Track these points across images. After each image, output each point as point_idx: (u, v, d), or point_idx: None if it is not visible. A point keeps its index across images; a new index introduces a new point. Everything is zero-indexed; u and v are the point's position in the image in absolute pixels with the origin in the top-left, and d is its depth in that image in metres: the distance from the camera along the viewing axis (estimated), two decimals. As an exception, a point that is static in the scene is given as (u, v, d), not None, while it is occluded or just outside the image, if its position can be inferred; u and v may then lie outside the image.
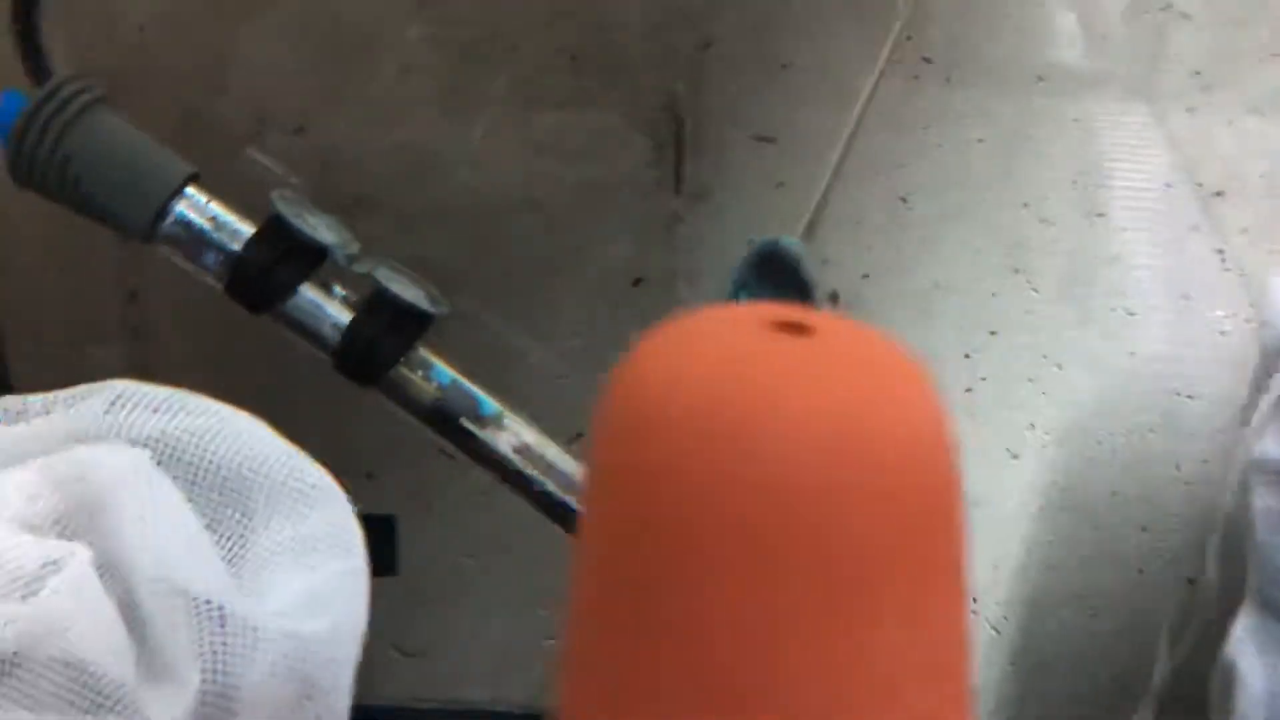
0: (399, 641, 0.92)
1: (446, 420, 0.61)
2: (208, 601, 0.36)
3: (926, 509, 0.26)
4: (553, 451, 0.63)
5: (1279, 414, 0.62)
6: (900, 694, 0.25)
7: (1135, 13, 0.77)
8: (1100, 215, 0.81)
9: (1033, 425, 0.85)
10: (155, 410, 0.43)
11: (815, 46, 0.82)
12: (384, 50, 0.84)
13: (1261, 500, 0.60)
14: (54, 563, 0.37)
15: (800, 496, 0.25)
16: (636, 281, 0.90)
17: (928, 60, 0.80)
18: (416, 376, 0.61)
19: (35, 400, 0.44)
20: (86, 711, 0.34)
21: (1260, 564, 0.61)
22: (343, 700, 0.38)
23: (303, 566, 0.40)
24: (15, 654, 0.35)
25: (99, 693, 0.35)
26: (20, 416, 0.44)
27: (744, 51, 0.83)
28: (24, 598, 0.37)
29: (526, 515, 0.66)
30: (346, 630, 0.38)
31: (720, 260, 0.88)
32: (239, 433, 0.43)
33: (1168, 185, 0.80)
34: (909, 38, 0.79)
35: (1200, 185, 0.79)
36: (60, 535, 0.39)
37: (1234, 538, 0.65)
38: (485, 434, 0.62)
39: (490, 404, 0.62)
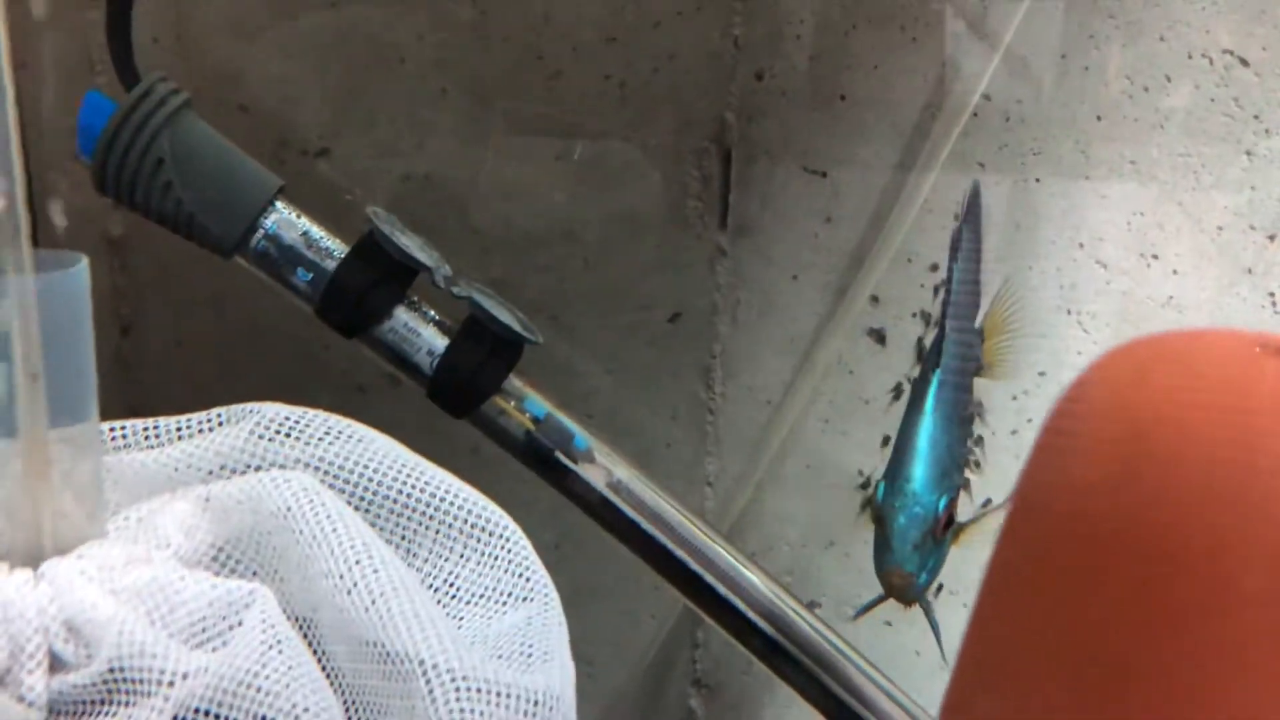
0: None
1: (540, 454, 0.57)
2: (428, 661, 0.31)
3: None
4: (644, 488, 0.60)
5: None
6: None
7: (1195, 57, 0.77)
8: (1155, 257, 0.80)
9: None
10: (306, 436, 0.39)
11: (872, 80, 0.80)
12: (416, 72, 0.81)
13: None
14: (237, 603, 0.32)
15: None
16: (674, 317, 0.87)
17: (986, 98, 0.79)
18: (511, 408, 0.57)
19: (166, 424, 0.39)
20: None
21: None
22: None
23: (487, 611, 0.36)
24: (209, 714, 0.30)
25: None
26: (151, 442, 0.39)
27: (799, 84, 0.81)
28: (203, 645, 0.32)
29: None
30: (565, 681, 0.34)
31: (761, 296, 0.86)
32: (403, 462, 0.38)
33: (1220, 228, 0.80)
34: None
35: (1253, 228, 0.79)
36: (224, 574, 0.35)
37: None
38: (579, 469, 0.58)
39: (584, 438, 0.58)
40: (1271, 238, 0.79)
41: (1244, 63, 0.77)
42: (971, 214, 0.61)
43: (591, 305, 0.85)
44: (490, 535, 0.37)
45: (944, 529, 0.52)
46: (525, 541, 0.38)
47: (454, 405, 0.55)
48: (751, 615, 0.59)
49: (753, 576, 0.60)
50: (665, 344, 0.87)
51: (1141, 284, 0.81)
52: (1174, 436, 0.23)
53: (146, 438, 0.39)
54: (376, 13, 0.78)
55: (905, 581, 0.53)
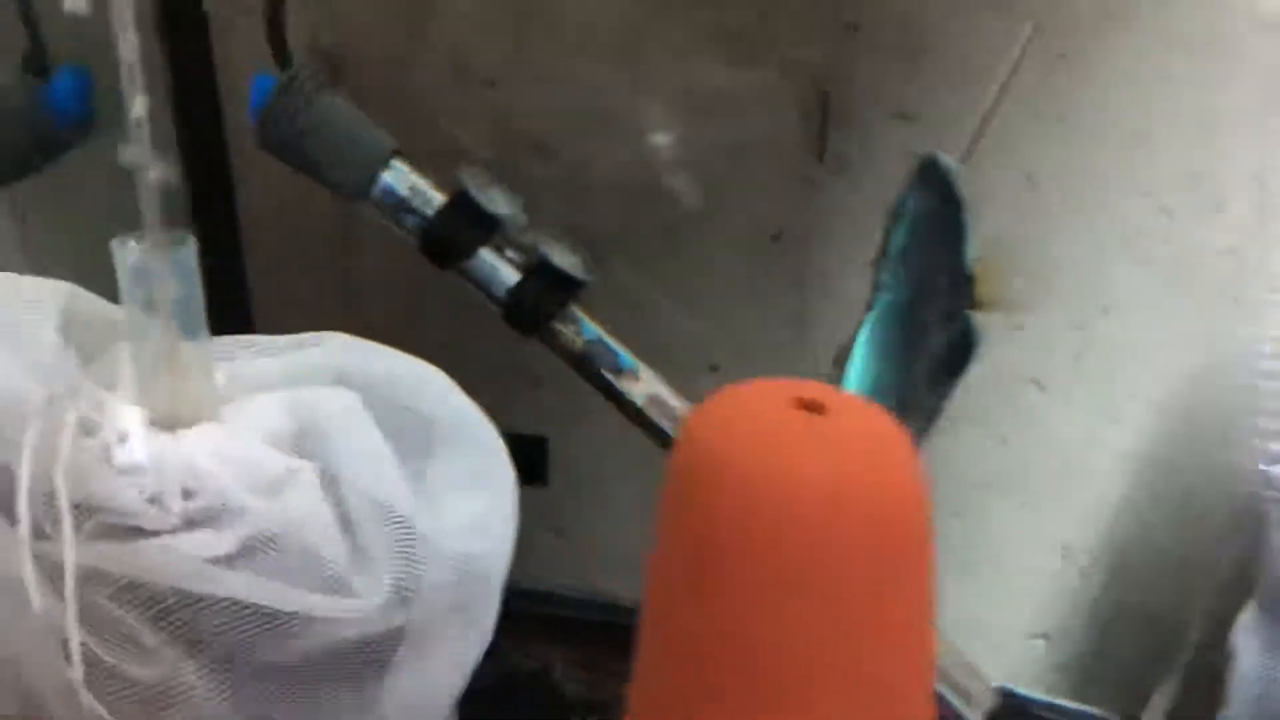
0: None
1: (591, 369, 0.72)
2: (401, 517, 0.48)
3: (898, 547, 0.37)
4: (678, 403, 0.74)
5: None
6: (877, 675, 0.36)
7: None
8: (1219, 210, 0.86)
9: (1133, 396, 0.91)
10: (364, 359, 0.56)
11: (956, 32, 0.88)
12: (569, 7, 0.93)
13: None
14: (292, 472, 0.50)
15: (808, 537, 0.35)
16: (775, 236, 0.99)
17: (1062, 56, 0.85)
18: (568, 330, 0.72)
19: (273, 341, 0.57)
20: (315, 589, 0.47)
21: (1268, 570, 0.67)
22: (491, 614, 0.50)
23: (466, 496, 0.52)
24: (272, 538, 0.48)
25: (324, 575, 0.48)
26: (261, 354, 0.57)
27: (888, 35, 0.89)
28: (267, 497, 0.50)
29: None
30: (500, 554, 0.50)
31: (853, 224, 0.96)
32: (427, 381, 0.55)
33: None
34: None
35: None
36: (293, 452, 0.52)
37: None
38: (622, 384, 0.73)
39: (628, 359, 0.73)
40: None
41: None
42: (922, 184, 0.68)
43: (705, 223, 0.98)
44: (477, 440, 0.54)
45: None
46: (501, 444, 0.54)
47: (520, 326, 0.70)
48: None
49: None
50: (768, 259, 0.99)
51: (1204, 235, 0.86)
52: (715, 471, 0.36)
53: (259, 352, 0.57)
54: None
55: None
